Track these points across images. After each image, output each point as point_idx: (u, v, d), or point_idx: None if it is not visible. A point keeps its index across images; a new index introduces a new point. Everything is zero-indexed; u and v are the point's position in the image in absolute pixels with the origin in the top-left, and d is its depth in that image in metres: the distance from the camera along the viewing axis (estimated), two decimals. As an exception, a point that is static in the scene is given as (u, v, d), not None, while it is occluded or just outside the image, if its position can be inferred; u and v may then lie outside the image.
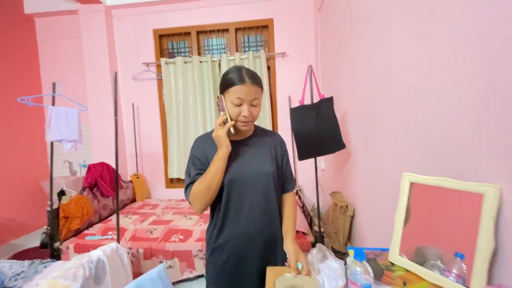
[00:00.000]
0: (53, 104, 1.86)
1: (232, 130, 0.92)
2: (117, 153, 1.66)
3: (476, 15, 0.70)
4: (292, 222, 1.02)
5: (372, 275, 0.66)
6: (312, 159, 1.83)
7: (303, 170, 3.12)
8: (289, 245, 0.95)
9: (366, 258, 0.85)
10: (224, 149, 0.90)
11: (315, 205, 2.89)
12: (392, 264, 0.83)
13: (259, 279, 0.99)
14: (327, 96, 1.71)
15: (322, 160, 2.89)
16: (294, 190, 1.11)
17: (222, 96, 0.94)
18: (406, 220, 0.84)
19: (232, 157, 0.95)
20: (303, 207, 2.55)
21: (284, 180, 1.07)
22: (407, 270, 0.79)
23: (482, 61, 0.68)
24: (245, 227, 0.97)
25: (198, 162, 0.97)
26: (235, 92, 0.89)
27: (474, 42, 0.71)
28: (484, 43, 0.68)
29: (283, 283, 0.77)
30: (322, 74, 2.73)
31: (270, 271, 0.90)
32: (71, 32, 3.23)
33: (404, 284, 0.72)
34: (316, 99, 1.73)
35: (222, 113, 0.94)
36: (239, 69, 0.92)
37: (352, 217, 1.83)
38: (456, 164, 0.79)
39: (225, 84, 0.92)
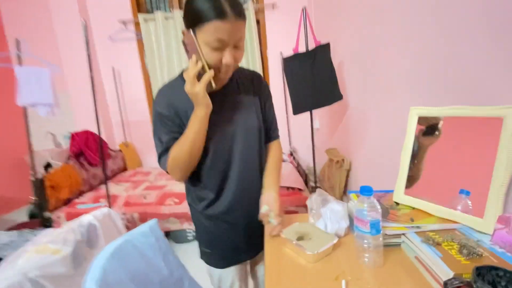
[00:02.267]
0: (19, 64, 1.67)
1: (213, 83, 0.69)
2: (98, 116, 1.53)
3: None
4: (276, 173, 0.88)
5: (380, 210, 0.61)
6: (306, 116, 1.74)
7: (296, 130, 3.06)
8: (272, 196, 0.81)
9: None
10: (204, 109, 0.71)
11: (309, 165, 2.88)
12: (397, 204, 0.79)
13: (258, 236, 0.90)
14: (323, 42, 1.57)
15: (316, 119, 2.82)
16: (279, 138, 0.97)
17: (191, 32, 0.66)
18: (415, 162, 0.78)
19: (212, 113, 0.74)
20: (298, 166, 2.53)
21: (267, 127, 0.91)
22: (413, 208, 0.75)
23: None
24: (236, 188, 0.85)
25: (169, 123, 0.77)
26: (214, 31, 0.63)
27: None
28: None
29: (290, 234, 0.72)
30: (316, 22, 2.53)
31: (268, 227, 0.82)
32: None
33: (412, 220, 0.68)
34: (311, 47, 1.59)
35: (194, 58, 0.68)
36: (221, 3, 0.63)
37: (349, 170, 1.80)
38: (466, 92, 0.71)
39: (196, 16, 0.64)
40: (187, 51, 0.73)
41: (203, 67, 0.68)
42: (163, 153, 0.79)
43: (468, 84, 0.72)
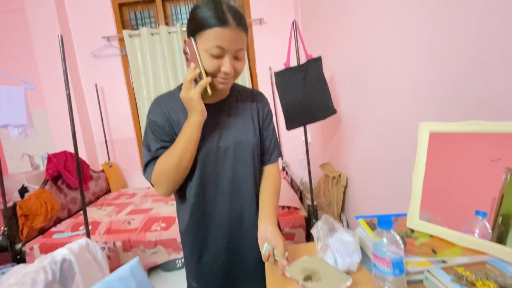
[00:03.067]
0: (-11, 83, 1.53)
1: (209, 90, 0.68)
2: (75, 135, 1.41)
3: None
4: (273, 201, 0.80)
5: (402, 246, 0.52)
6: (298, 131, 1.68)
7: (288, 144, 2.99)
8: (270, 230, 0.71)
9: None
10: (197, 116, 0.68)
11: (303, 180, 2.80)
12: (412, 231, 0.70)
13: (252, 271, 0.83)
14: (314, 56, 1.53)
15: (308, 133, 2.77)
16: (277, 162, 0.89)
17: (192, 39, 0.67)
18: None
19: (205, 125, 0.72)
20: (291, 182, 2.44)
21: (265, 148, 0.85)
22: (431, 236, 0.66)
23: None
24: (224, 209, 0.79)
25: (160, 132, 0.74)
26: (214, 37, 0.64)
27: None
28: None
29: (296, 272, 0.62)
30: (304, 37, 2.53)
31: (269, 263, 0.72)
32: (13, 5, 2.74)
33: (434, 252, 0.60)
34: (302, 61, 1.55)
35: (192, 65, 0.68)
36: (217, 2, 0.64)
37: (346, 186, 1.73)
38: (479, 107, 0.66)
39: (198, 24, 0.65)
40: (187, 60, 0.71)
41: (200, 74, 0.67)
42: (149, 162, 0.74)
43: (480, 98, 0.67)
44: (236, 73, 0.71)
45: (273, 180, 0.84)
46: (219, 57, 0.66)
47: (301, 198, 2.12)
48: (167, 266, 1.86)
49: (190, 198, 0.78)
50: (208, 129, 0.74)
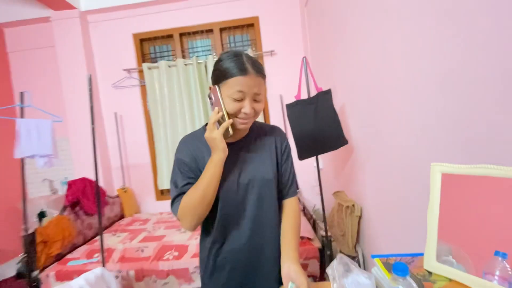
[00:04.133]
0: (22, 116, 1.66)
1: (230, 130, 0.77)
2: (96, 165, 1.48)
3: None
4: (295, 237, 0.83)
5: (419, 293, 0.52)
6: (310, 158, 1.70)
7: (300, 171, 2.98)
8: (294, 269, 0.75)
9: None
10: (220, 154, 0.75)
11: (316, 207, 2.76)
12: (430, 273, 0.70)
13: None
14: (324, 89, 1.59)
15: (320, 159, 2.77)
16: (296, 196, 0.93)
17: (216, 87, 0.77)
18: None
19: (226, 162, 0.79)
20: (304, 209, 2.41)
21: (283, 184, 0.90)
22: (450, 280, 0.65)
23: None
24: (247, 242, 0.84)
25: (186, 169, 0.81)
26: (236, 84, 0.73)
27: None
28: None
29: None
30: (313, 69, 2.62)
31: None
32: (44, 41, 3.02)
33: (454, 299, 0.59)
34: (313, 93, 1.61)
35: (216, 109, 0.77)
36: (238, 55, 0.75)
37: (360, 217, 1.70)
38: (491, 149, 0.67)
39: (222, 74, 0.75)
40: (211, 104, 0.81)
41: (223, 116, 0.76)
42: (176, 198, 0.80)
43: (491, 141, 0.68)
44: (256, 114, 0.79)
45: (292, 216, 0.88)
46: (240, 100, 0.75)
47: (314, 227, 2.09)
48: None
49: (212, 232, 0.84)
50: (229, 166, 0.81)
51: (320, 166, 2.73)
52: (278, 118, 3.00)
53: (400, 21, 1.03)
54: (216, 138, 0.74)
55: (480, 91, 0.70)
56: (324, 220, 1.63)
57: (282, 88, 2.95)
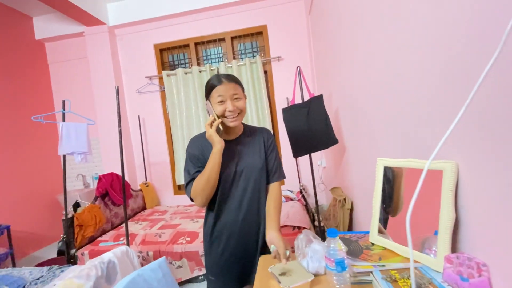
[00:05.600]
0: (63, 120, 2.01)
1: (220, 127, 1.02)
2: (123, 162, 1.78)
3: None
4: (276, 213, 1.08)
5: (345, 249, 0.72)
6: (315, 156, 1.89)
7: (306, 169, 3.17)
8: (275, 235, 0.99)
9: (349, 240, 0.92)
10: (217, 146, 0.99)
11: (319, 203, 2.93)
12: (373, 244, 0.88)
13: (252, 266, 1.08)
14: (317, 94, 1.78)
15: (323, 158, 2.94)
16: (280, 181, 1.16)
17: (208, 101, 1.05)
18: (396, 208, 0.88)
19: (226, 155, 1.04)
20: (306, 205, 2.60)
21: (269, 171, 1.14)
22: (385, 248, 0.84)
23: (438, 56, 0.75)
24: (237, 215, 1.07)
25: (196, 160, 1.06)
26: (216, 92, 1.01)
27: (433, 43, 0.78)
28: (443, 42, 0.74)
29: (276, 269, 0.84)
30: (317, 74, 2.80)
31: (262, 260, 0.96)
32: (79, 53, 3.45)
33: (379, 259, 0.78)
34: (307, 98, 1.80)
35: (210, 116, 1.05)
36: (216, 75, 1.04)
37: (351, 210, 1.87)
38: (422, 146, 0.85)
39: (208, 90, 1.04)
40: (208, 113, 1.08)
41: (214, 119, 1.01)
42: (189, 182, 1.05)
43: (422, 140, 0.86)
44: (239, 110, 1.03)
45: (275, 197, 1.13)
46: (223, 102, 1.01)
47: (313, 220, 2.27)
48: (191, 280, 2.10)
49: (214, 208, 1.08)
50: (228, 158, 1.06)
51: (324, 165, 2.91)
52: (285, 120, 3.19)
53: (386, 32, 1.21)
54: (211, 135, 0.99)
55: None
56: (317, 211, 1.82)
57: (288, 91, 3.14)
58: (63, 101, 1.97)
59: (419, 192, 0.67)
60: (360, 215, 1.74)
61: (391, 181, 0.89)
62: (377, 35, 1.14)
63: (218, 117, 1.02)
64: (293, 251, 0.96)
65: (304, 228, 2.00)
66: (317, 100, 1.75)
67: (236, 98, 1.02)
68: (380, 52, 1.12)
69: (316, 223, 1.88)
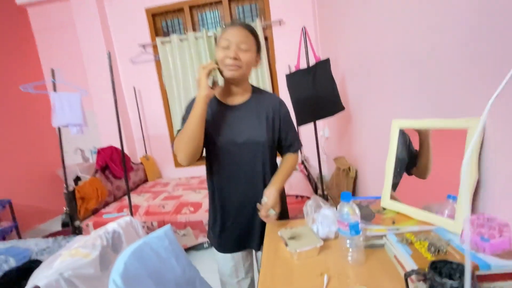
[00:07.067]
0: (54, 90, 1.91)
1: (218, 78, 0.86)
2: (121, 133, 1.71)
3: None
4: (284, 174, 0.98)
5: (358, 213, 0.69)
6: (318, 127, 1.83)
7: (308, 139, 3.12)
8: (273, 191, 0.91)
9: (359, 205, 0.89)
10: (201, 92, 0.85)
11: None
12: (384, 209, 0.86)
13: (258, 239, 1.03)
14: (323, 58, 1.67)
15: (326, 128, 2.89)
16: (297, 153, 1.07)
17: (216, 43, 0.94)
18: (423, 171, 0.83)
19: (227, 122, 0.93)
20: (308, 175, 2.59)
21: (287, 145, 1.04)
22: (398, 213, 0.82)
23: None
24: (241, 194, 0.98)
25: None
26: (224, 34, 0.87)
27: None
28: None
29: (285, 233, 0.82)
30: (321, 38, 2.64)
31: (269, 226, 0.94)
32: (65, 20, 3.21)
33: (393, 222, 0.75)
34: (313, 63, 1.70)
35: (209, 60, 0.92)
36: (233, 20, 0.91)
37: (355, 178, 1.85)
38: (445, 104, 0.78)
39: (221, 32, 0.91)
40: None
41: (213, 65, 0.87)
42: (175, 138, 0.95)
43: (445, 97, 0.80)
44: (243, 63, 0.87)
45: (288, 162, 1.03)
46: (227, 48, 0.86)
47: (316, 190, 2.28)
48: (196, 247, 2.14)
49: (215, 183, 1.00)
50: (229, 125, 0.94)
51: (327, 135, 2.86)
52: (286, 90, 3.08)
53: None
54: (201, 78, 0.85)
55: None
56: (321, 179, 1.80)
57: (290, 58, 2.99)
58: (52, 70, 1.85)
59: (435, 154, 0.62)
60: (365, 184, 1.72)
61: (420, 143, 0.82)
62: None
63: (217, 63, 0.88)
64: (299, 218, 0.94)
65: (308, 197, 2.00)
66: (324, 65, 1.65)
67: (244, 49, 0.87)
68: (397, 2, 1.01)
69: (320, 191, 1.87)
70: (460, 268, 0.51)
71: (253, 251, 1.13)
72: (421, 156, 0.81)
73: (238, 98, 0.98)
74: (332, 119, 2.19)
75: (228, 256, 1.05)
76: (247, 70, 0.92)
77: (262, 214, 0.89)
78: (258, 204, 0.91)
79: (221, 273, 1.10)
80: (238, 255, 1.06)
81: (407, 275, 0.52)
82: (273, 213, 0.89)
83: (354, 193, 1.92)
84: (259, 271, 1.17)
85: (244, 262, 1.09)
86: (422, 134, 0.80)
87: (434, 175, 0.78)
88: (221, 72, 0.88)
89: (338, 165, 2.09)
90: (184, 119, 0.95)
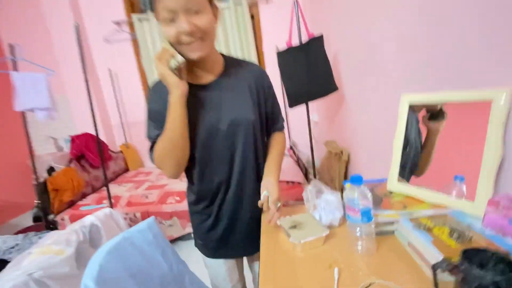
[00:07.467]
0: (15, 69, 1.68)
1: (178, 60, 0.65)
2: (94, 118, 1.55)
3: None
4: (277, 160, 0.86)
5: (370, 198, 0.61)
6: (304, 109, 1.74)
7: (296, 124, 3.05)
8: (271, 181, 0.79)
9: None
10: (174, 91, 0.66)
11: (309, 158, 2.88)
12: (391, 192, 0.79)
13: (249, 232, 0.89)
14: (317, 34, 1.56)
15: (314, 113, 2.81)
16: (283, 130, 0.96)
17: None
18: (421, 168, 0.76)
19: (203, 105, 0.74)
20: (298, 160, 2.53)
21: (272, 121, 0.90)
22: (407, 196, 0.75)
23: None
24: (231, 187, 0.83)
25: (159, 118, 0.72)
26: (159, 3, 0.61)
27: None
28: None
29: (286, 222, 0.73)
30: (311, 15, 2.50)
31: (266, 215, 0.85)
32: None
33: (405, 207, 0.69)
34: (305, 39, 1.58)
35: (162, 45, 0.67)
36: None
37: (348, 162, 1.80)
38: (460, 74, 0.71)
39: (151, 2, 0.64)
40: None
41: (168, 52, 0.65)
42: (151, 149, 0.77)
43: (460, 67, 0.72)
44: (201, 31, 0.65)
45: (278, 145, 0.90)
46: (173, 20, 0.63)
47: (306, 175, 2.22)
48: (183, 237, 2.04)
49: (195, 177, 0.82)
50: (206, 110, 0.75)
51: (315, 119, 2.79)
52: (274, 72, 2.95)
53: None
54: (163, 74, 0.65)
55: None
56: (313, 164, 1.74)
57: (278, 38, 2.83)
58: (11, 45, 1.62)
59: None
60: (358, 167, 1.67)
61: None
62: None
63: (171, 44, 0.66)
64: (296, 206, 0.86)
65: (299, 182, 1.94)
66: (317, 42, 1.54)
67: (195, 11, 0.63)
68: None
69: (311, 177, 1.81)
70: (495, 257, 0.44)
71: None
72: (423, 153, 0.75)
73: (208, 75, 0.77)
74: (321, 102, 2.10)
75: (220, 260, 0.93)
76: (212, 37, 0.70)
77: (271, 210, 0.74)
78: (259, 202, 0.77)
79: (213, 276, 0.97)
80: (229, 262, 0.95)
81: (435, 267, 0.45)
82: (279, 205, 0.77)
83: (346, 177, 1.88)
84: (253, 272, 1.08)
85: (238, 264, 0.98)
86: (432, 129, 0.72)
87: (439, 158, 0.72)
88: (182, 54, 0.67)
89: (329, 149, 2.03)
90: (154, 121, 0.76)
